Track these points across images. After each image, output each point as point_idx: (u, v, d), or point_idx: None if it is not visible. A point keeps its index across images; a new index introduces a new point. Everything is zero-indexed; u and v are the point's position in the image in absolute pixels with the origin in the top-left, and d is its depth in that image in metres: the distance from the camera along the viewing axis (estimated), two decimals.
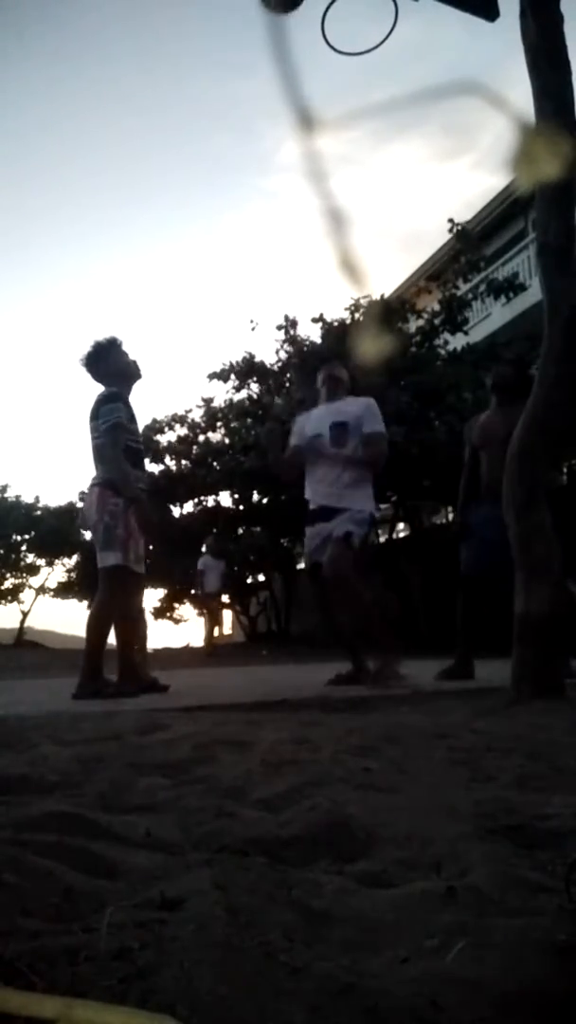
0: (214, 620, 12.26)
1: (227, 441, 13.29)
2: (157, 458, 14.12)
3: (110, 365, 3.84)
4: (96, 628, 3.76)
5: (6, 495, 22.00)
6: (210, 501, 14.47)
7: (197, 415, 14.67)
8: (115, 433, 3.67)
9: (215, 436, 14.23)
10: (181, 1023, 0.46)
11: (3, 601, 22.37)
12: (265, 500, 13.11)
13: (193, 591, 12.83)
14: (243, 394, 13.87)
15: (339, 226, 0.29)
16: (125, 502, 3.69)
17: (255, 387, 13.82)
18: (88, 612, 3.94)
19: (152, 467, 13.52)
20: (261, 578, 16.80)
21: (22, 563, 22.16)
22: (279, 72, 0.29)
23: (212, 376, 13.84)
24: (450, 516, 13.42)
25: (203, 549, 11.59)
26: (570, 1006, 0.50)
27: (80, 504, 21.97)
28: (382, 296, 12.29)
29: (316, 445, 4.05)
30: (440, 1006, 0.48)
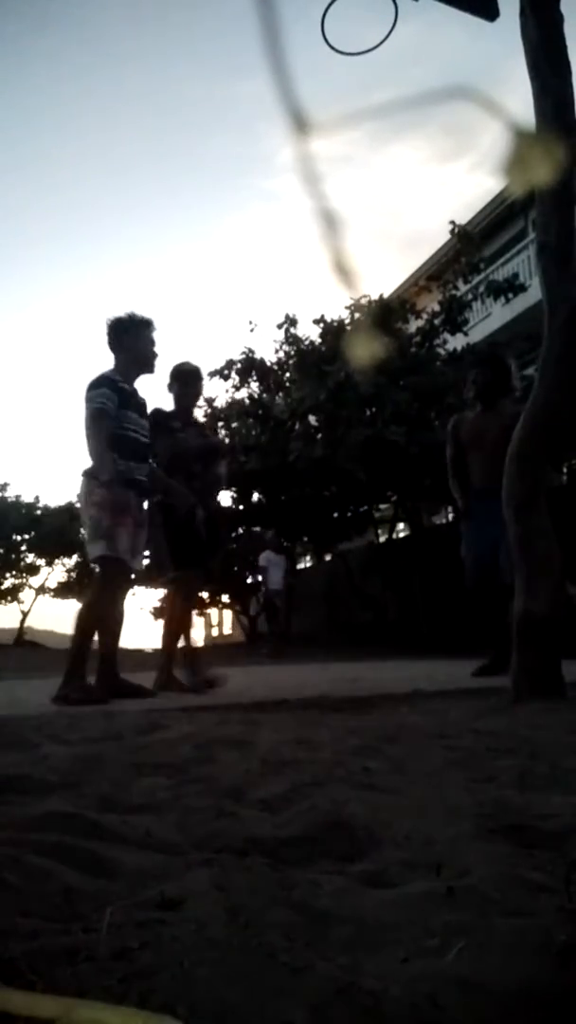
0: (279, 617, 11.55)
1: (227, 441, 13.29)
2: None
3: (132, 341, 3.67)
4: (80, 624, 3.60)
5: (6, 495, 22.01)
6: None
7: (198, 415, 14.69)
8: (97, 420, 3.47)
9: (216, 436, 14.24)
10: (181, 1023, 0.46)
11: (3, 601, 22.39)
12: (265, 500, 13.12)
13: (262, 588, 12.14)
14: (243, 393, 13.89)
15: (333, 228, 0.29)
16: (113, 491, 3.48)
17: (255, 386, 13.84)
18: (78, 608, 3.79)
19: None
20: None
21: (22, 563, 22.17)
22: (273, 73, 0.29)
23: (212, 374, 13.85)
24: (450, 516, 13.42)
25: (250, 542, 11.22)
26: (570, 1006, 0.50)
27: (79, 504, 22.08)
28: (381, 296, 12.31)
29: None
30: (440, 1006, 0.48)
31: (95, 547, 3.57)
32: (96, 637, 3.69)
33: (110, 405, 3.50)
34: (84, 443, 3.55)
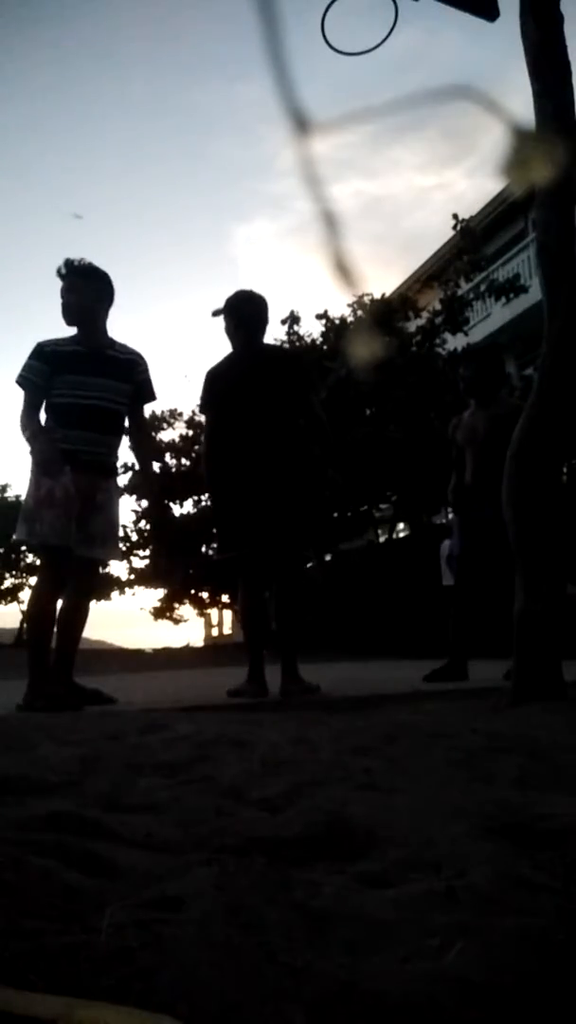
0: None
1: None
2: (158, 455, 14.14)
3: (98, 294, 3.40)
4: (27, 622, 3.36)
5: (6, 495, 22.02)
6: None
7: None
8: (23, 392, 3.30)
9: None
10: (181, 1023, 0.46)
11: (3, 601, 22.41)
12: None
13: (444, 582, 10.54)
14: None
15: (333, 229, 0.29)
16: (37, 468, 3.26)
17: None
18: None
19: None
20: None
21: (22, 563, 22.19)
22: (274, 75, 0.29)
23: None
24: (449, 516, 13.42)
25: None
26: (570, 1006, 0.50)
27: None
28: (383, 295, 12.32)
29: None
30: (440, 1006, 0.48)
31: (18, 529, 3.36)
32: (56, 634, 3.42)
33: (33, 375, 3.29)
34: None
